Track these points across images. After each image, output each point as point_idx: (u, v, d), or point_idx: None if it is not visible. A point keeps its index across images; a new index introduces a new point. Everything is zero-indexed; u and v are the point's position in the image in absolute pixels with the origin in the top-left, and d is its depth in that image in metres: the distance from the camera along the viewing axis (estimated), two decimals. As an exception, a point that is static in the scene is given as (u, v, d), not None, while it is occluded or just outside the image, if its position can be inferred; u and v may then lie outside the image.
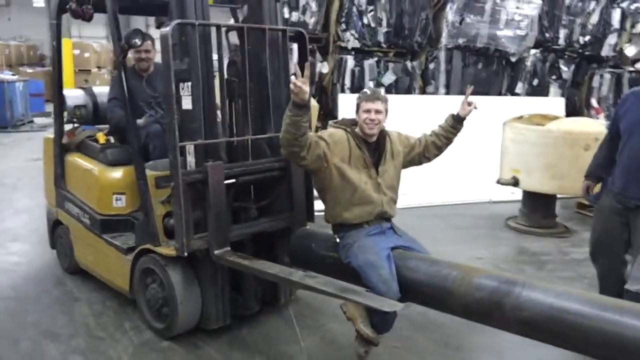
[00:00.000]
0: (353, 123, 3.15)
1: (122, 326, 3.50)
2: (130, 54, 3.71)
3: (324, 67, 7.43)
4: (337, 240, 3.12)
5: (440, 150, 3.31)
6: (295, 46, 3.84)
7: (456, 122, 3.24)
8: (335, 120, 3.36)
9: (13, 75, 13.76)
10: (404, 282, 2.82)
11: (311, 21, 7.40)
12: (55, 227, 4.42)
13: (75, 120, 4.27)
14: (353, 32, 7.39)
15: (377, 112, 3.03)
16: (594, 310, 2.34)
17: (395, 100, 7.14)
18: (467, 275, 2.72)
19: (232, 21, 3.85)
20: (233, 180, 3.24)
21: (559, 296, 2.45)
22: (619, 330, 2.25)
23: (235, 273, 3.38)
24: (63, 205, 4.19)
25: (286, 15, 7.33)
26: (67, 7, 3.64)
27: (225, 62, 3.53)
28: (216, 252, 3.10)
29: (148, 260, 3.38)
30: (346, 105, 7.02)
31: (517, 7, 7.81)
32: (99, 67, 18.40)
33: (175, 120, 2.99)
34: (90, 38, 22.71)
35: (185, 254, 3.06)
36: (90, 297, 3.92)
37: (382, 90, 7.17)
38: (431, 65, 7.82)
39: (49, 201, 4.51)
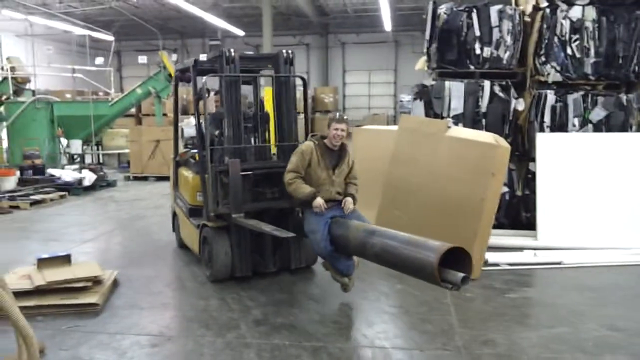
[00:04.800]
0: (322, 137, 4.68)
1: (285, 381, 3.32)
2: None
3: (519, 104, 6.76)
4: (300, 214, 4.92)
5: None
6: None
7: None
8: (312, 134, 4.92)
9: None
10: (334, 237, 4.37)
11: (505, 55, 6.84)
12: (174, 217, 6.56)
13: (189, 146, 6.21)
14: (554, 64, 6.64)
15: (342, 130, 4.56)
16: (399, 242, 3.84)
17: (606, 139, 6.31)
18: (358, 228, 4.22)
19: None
20: (250, 172, 5.05)
21: (390, 237, 3.95)
22: (406, 253, 3.73)
23: (258, 242, 5.16)
24: (176, 201, 6.27)
25: (477, 51, 6.88)
26: (177, 76, 6.16)
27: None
28: (234, 215, 4.86)
29: (205, 231, 5.26)
30: (546, 146, 6.28)
31: None
32: (298, 112, 19.57)
33: (206, 137, 5.07)
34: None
35: (212, 214, 5.06)
36: (260, 345, 3.83)
37: (591, 127, 6.38)
38: (652, 98, 6.67)
39: (171, 199, 6.58)
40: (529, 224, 6.53)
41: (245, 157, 5.19)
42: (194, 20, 21.40)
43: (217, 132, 5.45)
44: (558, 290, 4.92)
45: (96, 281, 4.87)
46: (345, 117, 4.62)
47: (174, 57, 14.62)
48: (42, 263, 5.01)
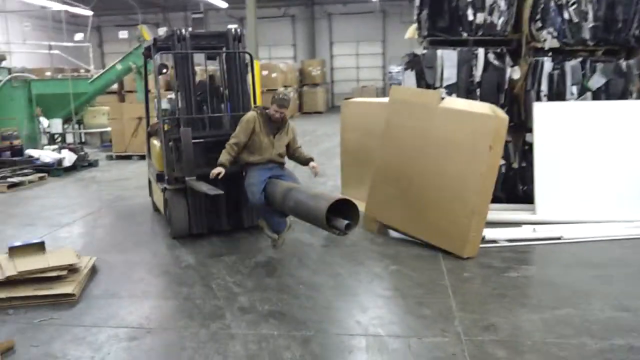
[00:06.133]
0: (265, 108, 5.24)
1: (273, 376, 3.08)
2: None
3: (514, 73, 6.46)
4: (244, 173, 5.33)
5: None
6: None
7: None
8: (255, 105, 5.65)
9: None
10: (266, 192, 4.97)
11: (499, 22, 6.49)
12: (149, 183, 7.15)
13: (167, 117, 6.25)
14: (551, 29, 6.31)
15: (282, 113, 5.13)
16: (307, 196, 4.50)
17: (606, 107, 6.04)
18: (283, 186, 4.85)
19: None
20: (202, 140, 5.63)
21: (300, 190, 4.68)
22: (308, 203, 4.42)
23: (213, 203, 5.66)
24: (150, 169, 6.96)
25: (470, 17, 6.54)
26: (144, 53, 6.87)
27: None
28: (187, 178, 5.44)
29: (167, 193, 5.82)
30: (543, 115, 6.01)
31: None
32: (285, 86, 19.07)
33: (161, 108, 5.97)
34: (279, 59, 23.86)
35: (166, 177, 5.71)
36: (247, 335, 3.58)
37: (590, 95, 6.09)
38: (653, 63, 6.37)
39: (147, 168, 7.26)
40: (527, 198, 6.29)
41: (200, 127, 5.80)
42: (176, -7, 20.76)
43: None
44: (560, 267, 4.69)
45: (72, 269, 4.58)
46: (288, 100, 5.19)
47: (162, 30, 14.04)
48: (14, 251, 4.70)
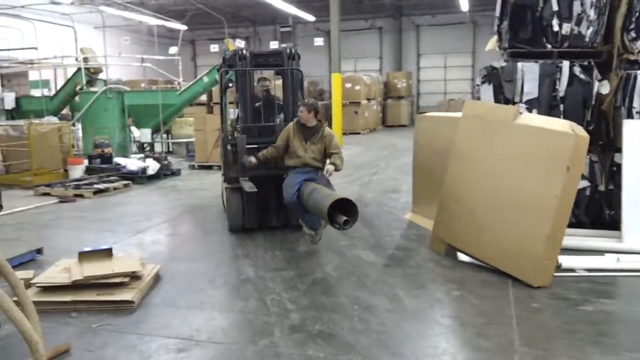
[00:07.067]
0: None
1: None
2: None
3: (603, 87, 5.97)
4: (285, 176, 5.90)
5: None
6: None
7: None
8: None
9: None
10: (300, 194, 5.51)
11: (588, 32, 6.04)
12: (222, 184, 7.55)
13: (233, 126, 6.99)
14: (646, 40, 5.79)
15: (301, 111, 5.77)
16: (321, 195, 5.13)
17: None
18: (310, 186, 5.43)
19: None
20: (255, 146, 6.18)
21: (319, 190, 5.27)
22: (320, 201, 5.04)
23: (264, 202, 6.35)
24: (222, 171, 7.48)
25: (555, 28, 6.13)
26: (217, 68, 8.10)
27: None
28: (240, 178, 6.11)
29: (226, 192, 6.56)
30: (634, 134, 5.51)
31: None
32: (368, 99, 18.97)
33: (225, 115, 7.16)
34: (364, 71, 23.81)
35: (223, 175, 6.93)
36: (292, 355, 3.48)
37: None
38: None
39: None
40: (613, 223, 5.77)
41: (256, 134, 6.43)
42: (265, 8, 21.25)
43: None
44: (644, 303, 4.24)
45: (135, 277, 4.69)
46: (308, 102, 5.85)
47: (241, 43, 14.47)
48: (83, 256, 4.89)
